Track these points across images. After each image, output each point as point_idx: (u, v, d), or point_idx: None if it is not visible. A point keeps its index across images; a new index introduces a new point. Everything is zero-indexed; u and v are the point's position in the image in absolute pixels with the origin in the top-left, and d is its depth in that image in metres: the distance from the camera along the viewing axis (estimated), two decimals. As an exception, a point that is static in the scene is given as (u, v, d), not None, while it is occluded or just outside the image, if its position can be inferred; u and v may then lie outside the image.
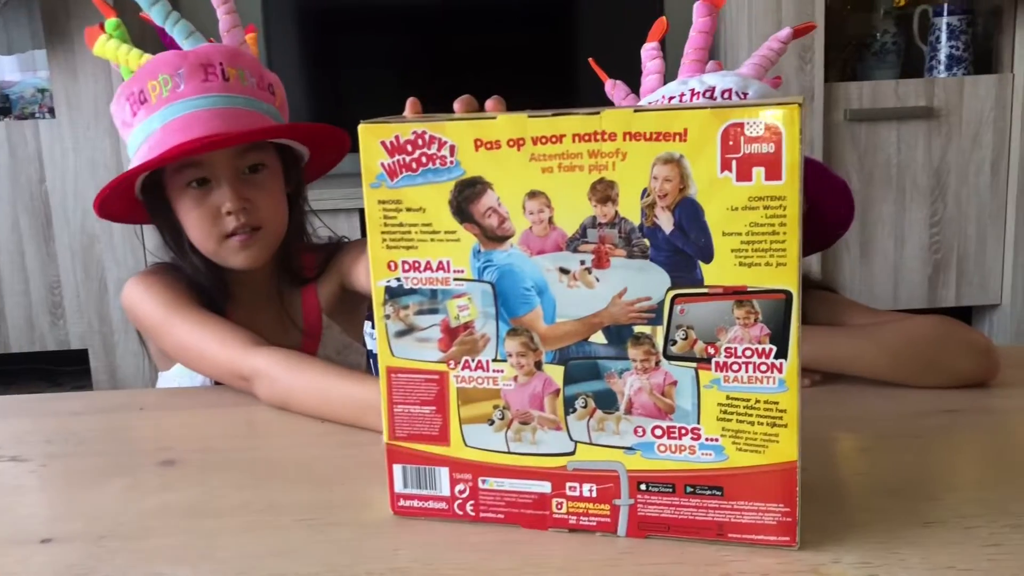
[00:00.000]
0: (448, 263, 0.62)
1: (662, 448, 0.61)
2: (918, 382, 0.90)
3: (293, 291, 1.13)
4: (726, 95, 0.93)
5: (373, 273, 0.64)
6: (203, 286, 1.05)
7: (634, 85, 1.06)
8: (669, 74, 1.03)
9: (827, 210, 1.01)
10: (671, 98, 0.95)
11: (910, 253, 2.63)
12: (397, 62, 2.80)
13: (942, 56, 2.61)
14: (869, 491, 0.70)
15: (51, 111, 2.59)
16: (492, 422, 0.64)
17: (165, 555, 0.64)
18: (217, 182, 1.01)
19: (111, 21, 1.05)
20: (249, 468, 0.79)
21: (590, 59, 1.11)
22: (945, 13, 2.58)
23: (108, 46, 1.03)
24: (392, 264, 0.63)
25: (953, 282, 2.65)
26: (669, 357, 0.59)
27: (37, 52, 2.69)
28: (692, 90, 0.94)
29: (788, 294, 0.56)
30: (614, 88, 1.06)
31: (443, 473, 0.65)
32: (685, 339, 0.59)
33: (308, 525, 0.67)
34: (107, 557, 0.64)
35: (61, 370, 2.71)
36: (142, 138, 0.99)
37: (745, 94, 0.93)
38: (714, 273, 0.57)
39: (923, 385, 0.89)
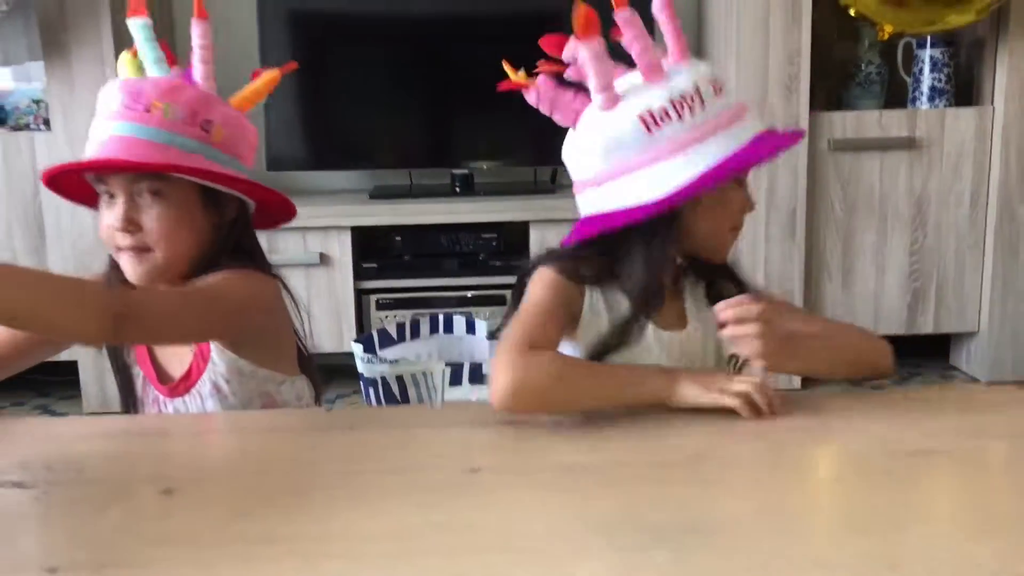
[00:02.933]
0: None
1: None
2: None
3: None
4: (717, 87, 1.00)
5: None
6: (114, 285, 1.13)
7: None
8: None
9: None
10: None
11: (890, 280, 2.68)
12: (388, 70, 2.83)
13: (925, 87, 2.67)
14: (838, 528, 0.73)
15: (46, 122, 2.61)
16: None
17: (167, 586, 0.66)
18: (119, 202, 1.09)
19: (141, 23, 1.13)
20: (247, 497, 0.82)
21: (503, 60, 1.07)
22: (928, 45, 2.64)
23: (122, 62, 1.16)
24: None
25: (932, 309, 2.70)
26: None
27: (32, 63, 2.71)
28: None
29: None
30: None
31: None
32: None
33: (302, 556, 0.70)
34: (111, 587, 0.66)
35: (50, 380, 2.72)
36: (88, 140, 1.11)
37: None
38: None
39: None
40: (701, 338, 1.13)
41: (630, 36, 0.96)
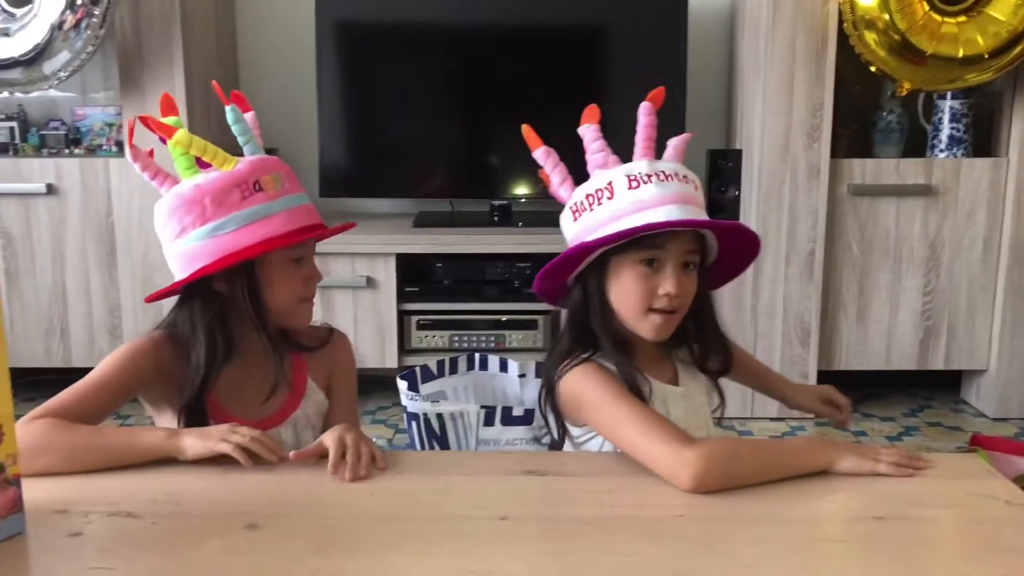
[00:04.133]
0: None
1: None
2: None
3: (285, 353, 1.37)
4: (683, 177, 1.21)
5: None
6: (215, 338, 1.28)
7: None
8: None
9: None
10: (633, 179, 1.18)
11: (904, 318, 2.82)
12: (434, 83, 3.02)
13: (944, 136, 2.80)
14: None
15: (118, 144, 2.84)
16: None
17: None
18: (308, 259, 1.33)
19: (176, 121, 1.28)
20: (319, 535, 1.00)
21: (524, 126, 1.33)
22: (948, 96, 2.77)
23: (196, 142, 1.25)
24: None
25: (943, 347, 2.84)
26: None
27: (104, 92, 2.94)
28: (663, 171, 1.19)
29: None
30: (548, 156, 1.30)
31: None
32: None
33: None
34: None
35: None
36: (257, 217, 1.24)
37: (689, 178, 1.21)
38: None
39: None
40: (696, 393, 1.32)
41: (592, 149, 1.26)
